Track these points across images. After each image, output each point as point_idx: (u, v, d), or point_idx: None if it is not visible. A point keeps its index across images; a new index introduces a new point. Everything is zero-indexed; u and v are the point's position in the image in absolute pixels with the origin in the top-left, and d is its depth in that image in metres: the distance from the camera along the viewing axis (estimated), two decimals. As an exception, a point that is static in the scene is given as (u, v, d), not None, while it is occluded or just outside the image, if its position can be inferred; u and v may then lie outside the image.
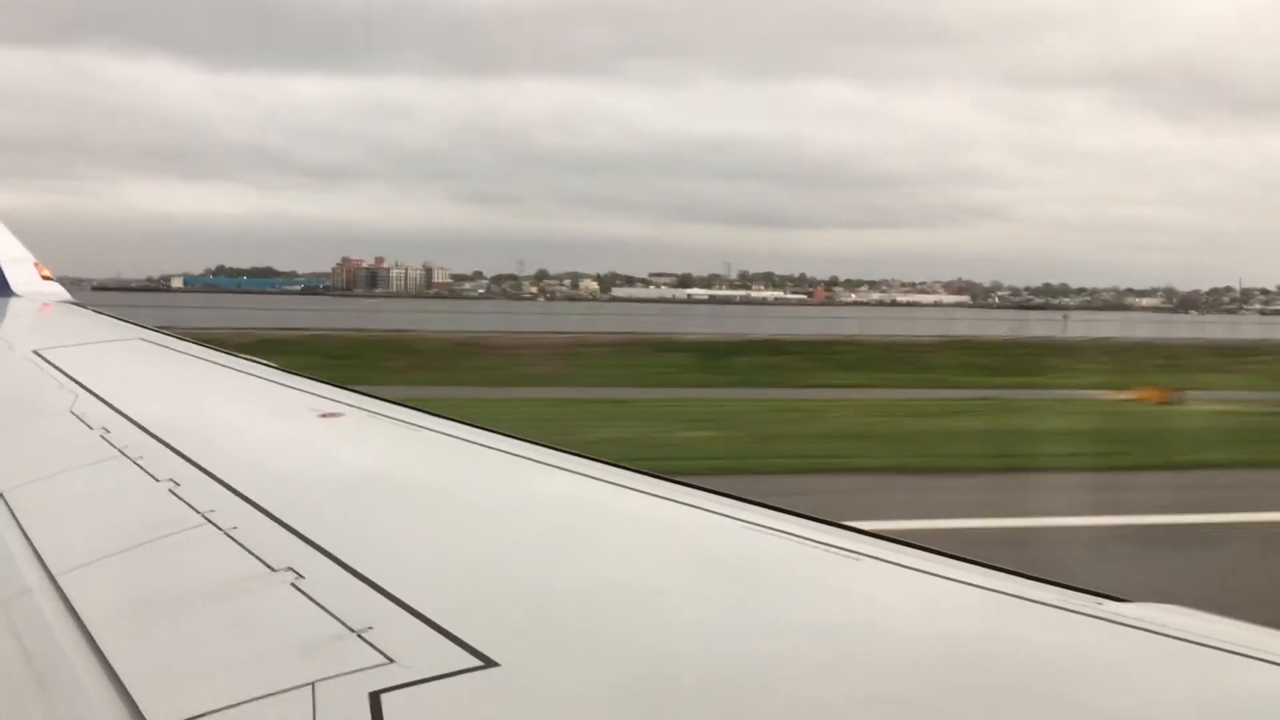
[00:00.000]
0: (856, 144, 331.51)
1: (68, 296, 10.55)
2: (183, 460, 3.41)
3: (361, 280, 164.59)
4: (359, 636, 1.91)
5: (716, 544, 2.56)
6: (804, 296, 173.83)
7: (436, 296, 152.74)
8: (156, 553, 2.64)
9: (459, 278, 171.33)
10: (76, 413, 4.42)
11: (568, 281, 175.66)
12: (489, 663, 1.76)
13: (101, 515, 3.18)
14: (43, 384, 5.28)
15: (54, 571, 2.61)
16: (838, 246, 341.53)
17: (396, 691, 1.70)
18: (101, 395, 4.74)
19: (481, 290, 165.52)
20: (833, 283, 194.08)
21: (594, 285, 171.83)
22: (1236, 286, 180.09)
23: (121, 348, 7.03)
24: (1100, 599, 2.06)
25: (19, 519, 3.09)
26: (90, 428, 4.09)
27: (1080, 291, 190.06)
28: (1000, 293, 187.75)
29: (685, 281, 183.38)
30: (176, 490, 3.07)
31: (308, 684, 1.76)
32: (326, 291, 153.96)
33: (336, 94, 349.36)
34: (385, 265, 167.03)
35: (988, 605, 2.08)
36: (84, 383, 5.09)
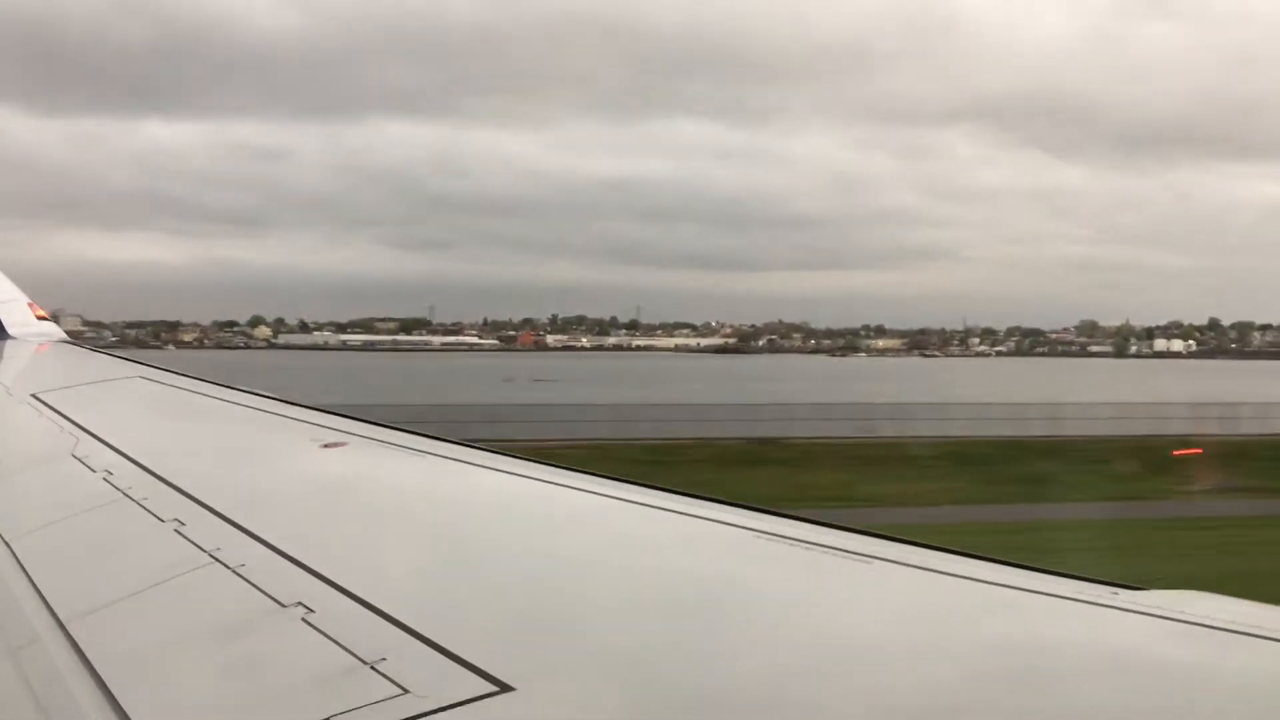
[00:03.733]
0: (763, 185, 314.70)
1: (63, 335, 10.59)
2: (187, 499, 3.38)
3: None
4: (372, 668, 1.89)
5: (727, 554, 2.54)
6: (495, 342, 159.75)
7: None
8: (165, 594, 2.61)
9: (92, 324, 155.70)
10: (78, 456, 4.36)
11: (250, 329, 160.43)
12: (505, 687, 1.73)
13: (108, 559, 3.16)
14: (43, 428, 5.26)
15: (62, 619, 2.57)
16: (787, 289, 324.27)
17: None
18: (102, 437, 4.67)
19: (115, 339, 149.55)
20: (632, 326, 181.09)
21: (267, 331, 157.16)
22: (962, 326, 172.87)
23: (120, 386, 6.98)
24: (1116, 588, 2.04)
25: (25, 567, 3.05)
26: (93, 470, 4.06)
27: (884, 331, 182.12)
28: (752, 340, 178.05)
29: (407, 327, 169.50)
30: (182, 530, 3.04)
31: None
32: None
33: (192, 138, 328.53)
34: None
35: (1000, 601, 2.06)
36: (84, 425, 5.03)
